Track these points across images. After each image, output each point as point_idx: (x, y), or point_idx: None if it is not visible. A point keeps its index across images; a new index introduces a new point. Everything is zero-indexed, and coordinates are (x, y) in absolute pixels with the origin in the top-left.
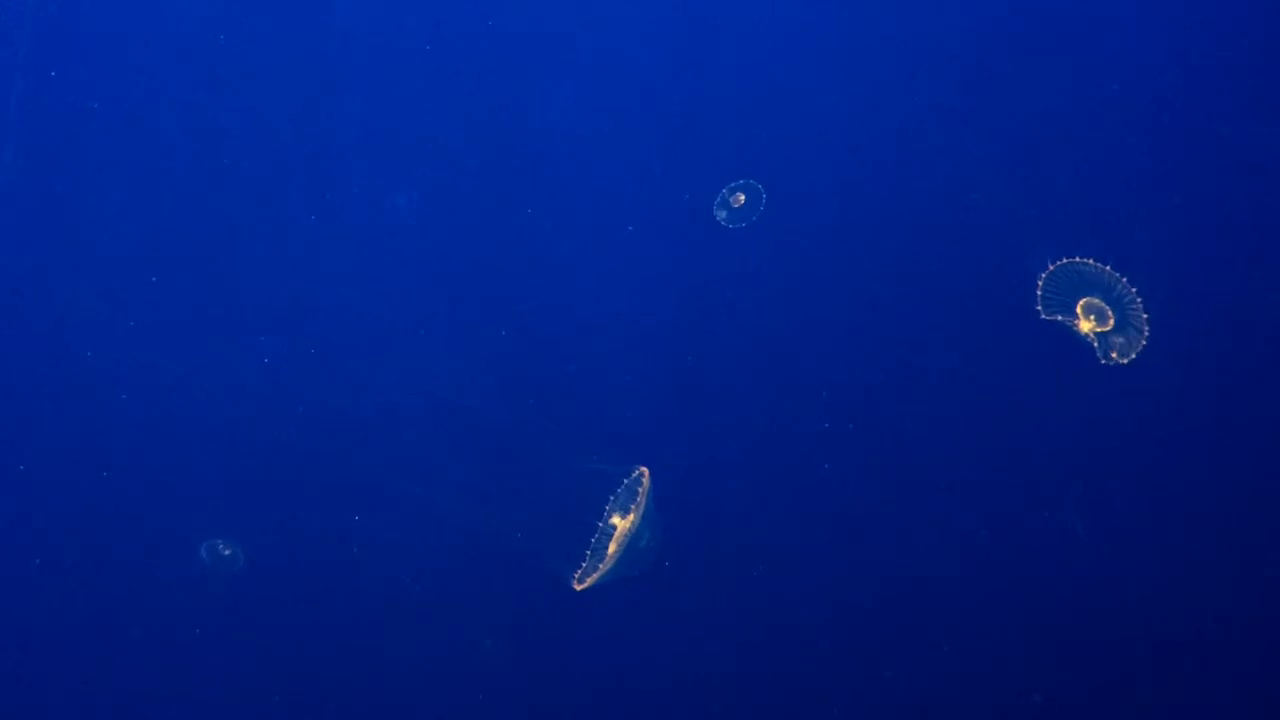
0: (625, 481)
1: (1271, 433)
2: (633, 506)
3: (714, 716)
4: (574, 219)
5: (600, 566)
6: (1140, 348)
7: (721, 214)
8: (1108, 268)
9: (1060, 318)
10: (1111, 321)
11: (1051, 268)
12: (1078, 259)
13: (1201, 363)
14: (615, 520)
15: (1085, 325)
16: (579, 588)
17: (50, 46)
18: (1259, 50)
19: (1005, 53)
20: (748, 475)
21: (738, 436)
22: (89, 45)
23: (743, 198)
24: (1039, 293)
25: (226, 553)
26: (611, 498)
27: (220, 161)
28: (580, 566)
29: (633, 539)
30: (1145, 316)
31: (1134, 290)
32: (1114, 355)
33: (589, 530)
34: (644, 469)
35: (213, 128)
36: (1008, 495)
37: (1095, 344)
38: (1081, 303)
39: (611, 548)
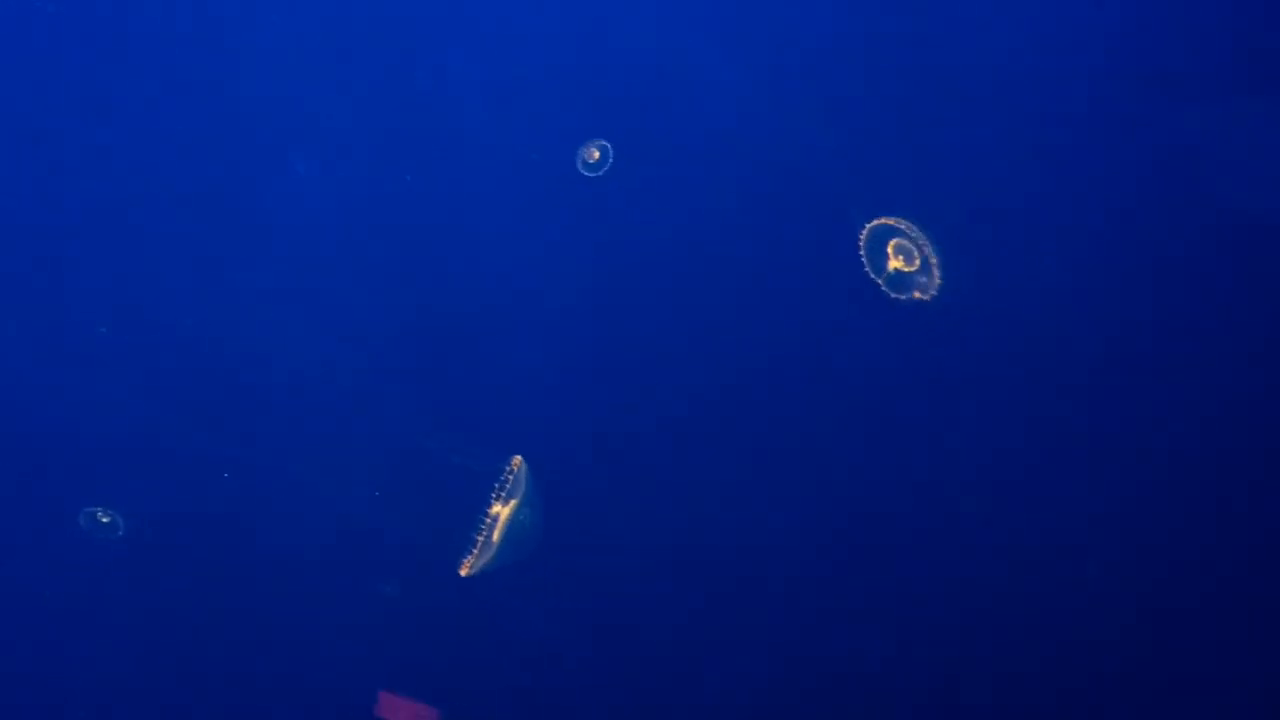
0: (506, 471)
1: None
2: (510, 494)
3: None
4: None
5: (483, 553)
6: (938, 285)
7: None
8: (909, 224)
9: (879, 278)
10: (918, 261)
11: (869, 226)
12: (888, 219)
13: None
14: (497, 509)
15: (893, 264)
16: (464, 573)
17: None
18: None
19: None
20: (626, 455)
21: (619, 417)
22: None
23: (596, 154)
24: (861, 244)
25: (105, 520)
26: (496, 485)
27: (96, 135)
28: (468, 554)
29: (514, 525)
30: (936, 260)
31: (928, 235)
32: (917, 295)
33: (476, 520)
34: (518, 457)
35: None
36: (871, 461)
37: (885, 285)
38: (892, 243)
39: (495, 535)
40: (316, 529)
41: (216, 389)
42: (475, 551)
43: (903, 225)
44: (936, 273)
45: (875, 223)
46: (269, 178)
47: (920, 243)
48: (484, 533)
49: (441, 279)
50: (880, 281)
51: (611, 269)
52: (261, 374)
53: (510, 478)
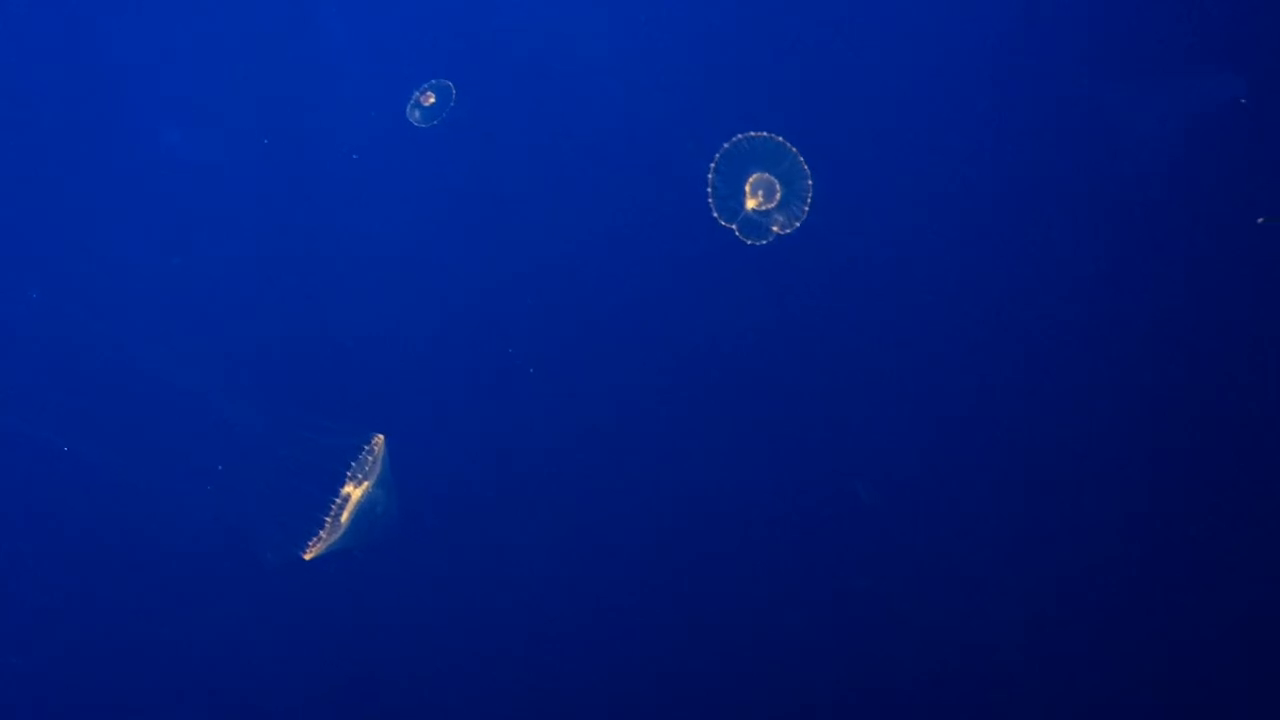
0: (363, 450)
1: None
2: (365, 475)
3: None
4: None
5: (329, 535)
6: (802, 218)
7: (415, 115)
8: (780, 138)
9: (733, 226)
10: (779, 197)
11: (733, 140)
12: (753, 133)
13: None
14: (349, 489)
15: (751, 204)
16: (308, 556)
17: None
18: None
19: None
20: (484, 438)
21: (477, 397)
22: None
23: (433, 97)
24: (711, 174)
25: None
26: (351, 464)
27: None
28: (314, 536)
29: (368, 507)
30: (810, 183)
31: (803, 159)
32: (776, 230)
33: (324, 501)
34: (380, 437)
35: None
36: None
37: (737, 229)
38: (751, 179)
39: (344, 516)
40: (171, 517)
41: (67, 376)
42: (322, 533)
43: (768, 140)
44: (801, 202)
45: (743, 137)
46: (109, 160)
47: (788, 172)
48: (333, 514)
49: (300, 253)
50: (734, 227)
51: (468, 231)
52: (115, 358)
53: (369, 458)
